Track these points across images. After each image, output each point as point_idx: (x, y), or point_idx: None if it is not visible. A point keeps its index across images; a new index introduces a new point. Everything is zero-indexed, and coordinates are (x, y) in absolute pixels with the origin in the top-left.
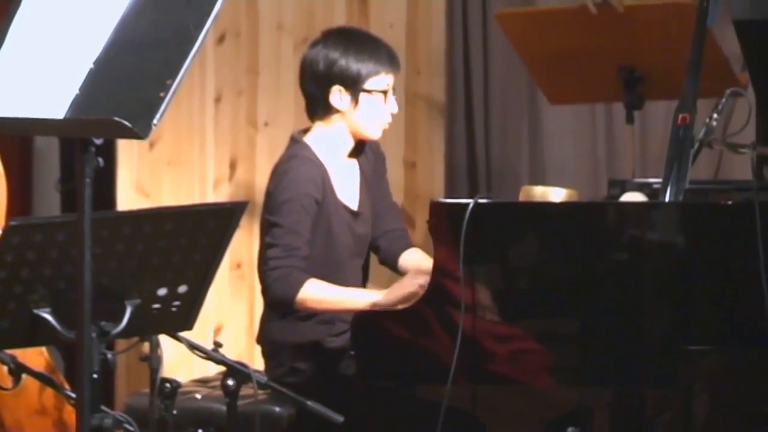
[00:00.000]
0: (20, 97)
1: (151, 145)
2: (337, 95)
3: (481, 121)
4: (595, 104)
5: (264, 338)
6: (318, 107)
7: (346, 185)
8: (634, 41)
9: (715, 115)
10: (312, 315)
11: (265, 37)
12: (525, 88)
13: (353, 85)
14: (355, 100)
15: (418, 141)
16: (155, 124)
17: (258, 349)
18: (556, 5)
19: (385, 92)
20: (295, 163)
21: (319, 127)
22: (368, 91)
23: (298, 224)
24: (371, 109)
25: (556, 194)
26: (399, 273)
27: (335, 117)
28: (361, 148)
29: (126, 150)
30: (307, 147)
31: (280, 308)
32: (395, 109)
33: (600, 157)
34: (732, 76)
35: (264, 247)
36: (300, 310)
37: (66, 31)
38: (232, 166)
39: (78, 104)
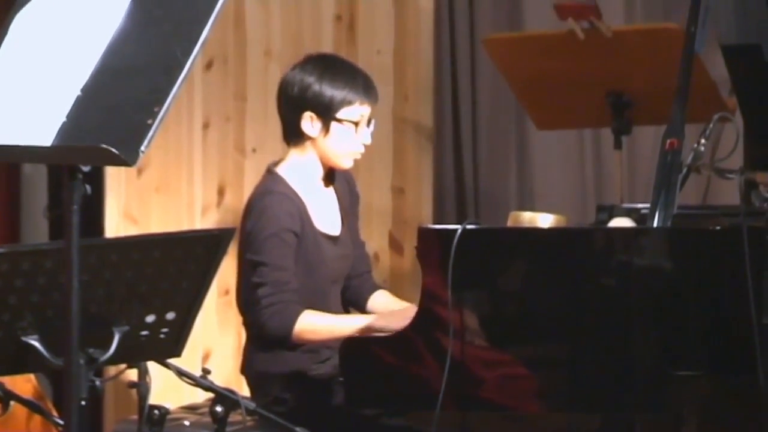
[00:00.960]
0: (7, 124)
1: (139, 171)
2: (309, 122)
3: (469, 146)
4: (583, 129)
5: (248, 369)
6: (291, 133)
7: (324, 212)
8: (621, 66)
9: (703, 140)
10: (297, 345)
11: (253, 63)
12: (513, 114)
13: (325, 112)
14: (326, 128)
15: (406, 167)
16: (143, 151)
17: None
18: (543, 30)
19: (356, 123)
20: (270, 200)
21: (294, 155)
22: (339, 120)
23: (282, 259)
24: (341, 138)
25: (544, 220)
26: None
27: (307, 144)
28: (334, 176)
29: (114, 177)
30: (281, 180)
31: (277, 343)
32: (368, 141)
33: (588, 182)
34: (720, 101)
35: (251, 287)
36: (296, 343)
37: (53, 57)
38: (220, 192)
39: (65, 131)
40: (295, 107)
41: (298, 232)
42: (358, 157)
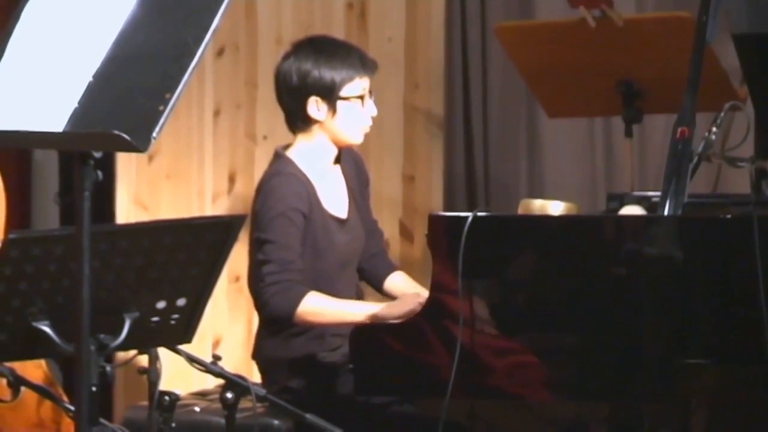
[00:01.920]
0: (19, 111)
1: (150, 158)
2: (314, 106)
3: (480, 134)
4: (594, 118)
5: (258, 354)
6: (297, 120)
7: (333, 195)
8: (632, 55)
9: (714, 129)
10: (304, 331)
11: (264, 50)
12: (524, 102)
13: (329, 94)
14: (333, 108)
15: (417, 155)
16: (154, 138)
17: None
18: (554, 19)
19: (361, 97)
20: (278, 180)
21: (301, 141)
22: (345, 98)
23: (288, 238)
24: (350, 115)
25: (555, 207)
26: (384, 295)
27: (315, 128)
28: (344, 156)
29: (125, 163)
30: (290, 162)
31: (278, 323)
32: (374, 111)
33: (599, 170)
34: (731, 90)
35: (256, 264)
36: (298, 324)
37: (65, 44)
38: (231, 179)
39: (77, 118)
40: (298, 95)
41: (306, 213)
42: (368, 130)
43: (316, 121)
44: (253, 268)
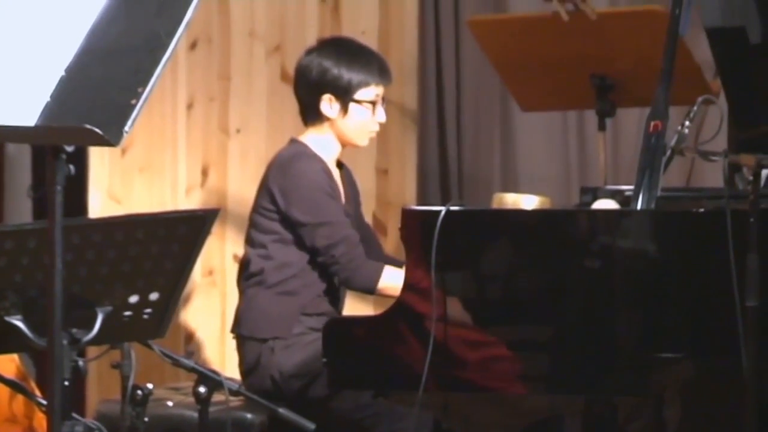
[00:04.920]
0: None
1: (123, 151)
2: (327, 104)
3: (454, 128)
4: (567, 111)
5: (238, 329)
6: (309, 113)
7: (339, 187)
8: (606, 48)
9: (687, 123)
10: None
11: (237, 43)
12: (497, 95)
13: (344, 94)
14: (345, 109)
15: (390, 148)
16: (126, 131)
17: (229, 355)
18: (528, 12)
19: (374, 103)
20: (306, 161)
21: (312, 134)
22: (358, 102)
23: (340, 215)
24: (359, 118)
25: (528, 202)
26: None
27: (325, 125)
28: (341, 164)
29: (98, 157)
30: (308, 147)
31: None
32: (383, 119)
33: (572, 164)
34: (704, 84)
35: (320, 251)
36: (380, 295)
37: (37, 38)
38: (204, 172)
39: (49, 111)
40: (314, 90)
41: (331, 194)
42: (374, 135)
43: (327, 118)
44: (251, 244)
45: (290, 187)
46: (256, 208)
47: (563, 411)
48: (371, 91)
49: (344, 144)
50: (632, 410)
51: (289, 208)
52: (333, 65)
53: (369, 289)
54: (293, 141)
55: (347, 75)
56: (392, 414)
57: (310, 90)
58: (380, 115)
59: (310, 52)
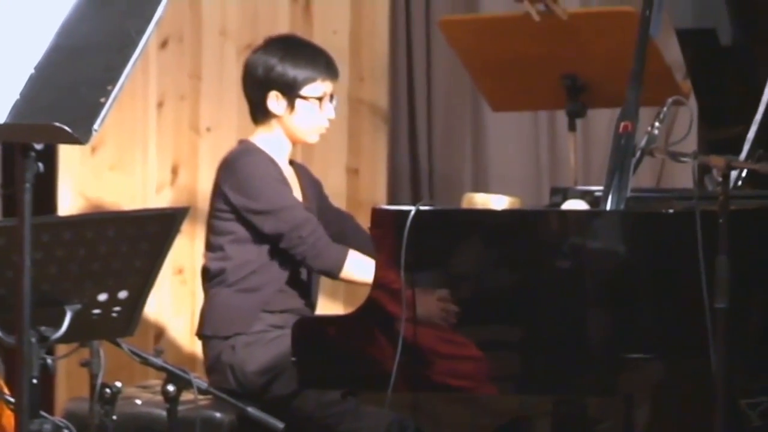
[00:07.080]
0: None
1: (93, 149)
2: (274, 101)
3: (424, 128)
4: (538, 112)
5: (202, 331)
6: (258, 112)
7: (293, 186)
8: (577, 49)
9: (657, 124)
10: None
11: (208, 42)
12: (468, 96)
13: (289, 91)
14: (291, 105)
15: (361, 147)
16: (96, 130)
17: (199, 354)
18: (499, 12)
19: (320, 98)
20: (252, 156)
21: (261, 133)
22: (304, 98)
23: (295, 200)
24: (306, 114)
25: (498, 202)
26: None
27: (273, 122)
28: (293, 162)
29: (67, 155)
30: (257, 147)
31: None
32: (332, 115)
33: (543, 164)
34: (674, 85)
35: (284, 236)
36: (343, 280)
37: (6, 35)
38: (175, 171)
39: (18, 109)
40: (260, 87)
41: (284, 181)
42: (323, 132)
43: (274, 115)
44: (211, 246)
45: (242, 182)
46: (212, 212)
47: (533, 411)
48: (318, 87)
49: (294, 141)
50: (601, 411)
51: (246, 201)
52: (278, 62)
53: (334, 272)
54: (241, 141)
55: (292, 71)
56: (356, 413)
57: (256, 87)
58: (328, 111)
59: (256, 50)
